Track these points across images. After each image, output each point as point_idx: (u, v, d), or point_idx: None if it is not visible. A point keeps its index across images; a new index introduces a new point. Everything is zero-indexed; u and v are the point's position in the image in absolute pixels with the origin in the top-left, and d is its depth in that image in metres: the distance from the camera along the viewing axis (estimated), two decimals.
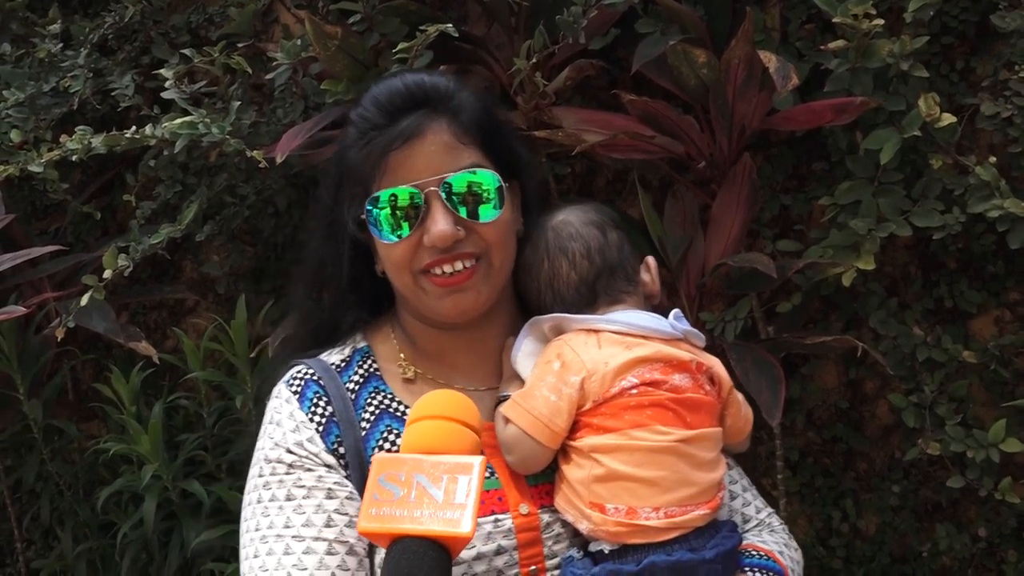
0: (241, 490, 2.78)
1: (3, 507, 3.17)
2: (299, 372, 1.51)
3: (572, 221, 1.53)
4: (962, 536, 2.38)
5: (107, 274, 2.43)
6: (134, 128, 2.40)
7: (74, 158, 2.42)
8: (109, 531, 3.01)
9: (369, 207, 1.44)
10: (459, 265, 1.43)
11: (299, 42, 2.28)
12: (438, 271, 1.44)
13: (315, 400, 1.47)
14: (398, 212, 1.42)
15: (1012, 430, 2.15)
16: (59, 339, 2.56)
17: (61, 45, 2.80)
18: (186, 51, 2.47)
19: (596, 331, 1.47)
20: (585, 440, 1.42)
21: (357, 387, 1.50)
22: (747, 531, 1.57)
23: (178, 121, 2.31)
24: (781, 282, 2.16)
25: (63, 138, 2.44)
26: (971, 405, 2.28)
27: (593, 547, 1.42)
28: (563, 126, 2.18)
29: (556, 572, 1.42)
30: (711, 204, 2.23)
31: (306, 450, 1.43)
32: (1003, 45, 2.12)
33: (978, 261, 2.30)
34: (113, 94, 2.71)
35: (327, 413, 1.46)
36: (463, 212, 1.42)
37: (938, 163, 2.09)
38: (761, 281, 2.11)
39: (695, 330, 1.51)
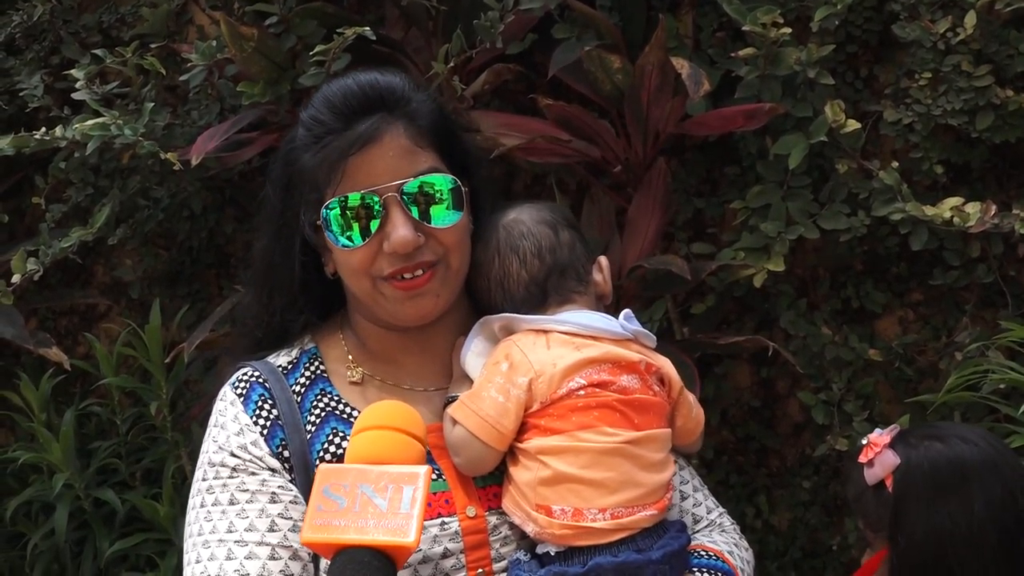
0: (155, 498, 2.75)
1: None
2: (244, 374, 1.49)
3: (524, 220, 1.52)
4: None
5: (15, 278, 2.38)
6: (44, 129, 2.35)
7: None
8: (19, 542, 2.92)
9: (326, 212, 1.41)
10: (418, 271, 1.42)
11: (214, 43, 2.26)
12: (398, 277, 1.42)
13: (260, 403, 1.45)
14: (356, 218, 1.40)
15: (916, 425, 2.21)
16: None
17: None
18: (98, 51, 2.43)
19: (545, 331, 1.46)
20: (532, 442, 1.41)
21: (303, 389, 1.49)
22: (697, 531, 1.58)
23: (90, 122, 2.27)
24: (695, 284, 2.20)
25: None
26: (877, 402, 2.34)
27: (540, 549, 1.42)
28: (481, 130, 2.19)
29: (504, 575, 1.42)
30: (627, 208, 2.26)
31: (250, 453, 1.42)
32: (904, 54, 2.19)
33: (883, 263, 2.36)
34: (21, 94, 2.65)
35: (272, 416, 1.45)
36: (422, 217, 1.41)
37: (844, 168, 2.15)
38: (676, 283, 2.14)
39: (646, 331, 1.51)
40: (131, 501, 2.73)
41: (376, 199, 1.39)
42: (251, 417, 1.44)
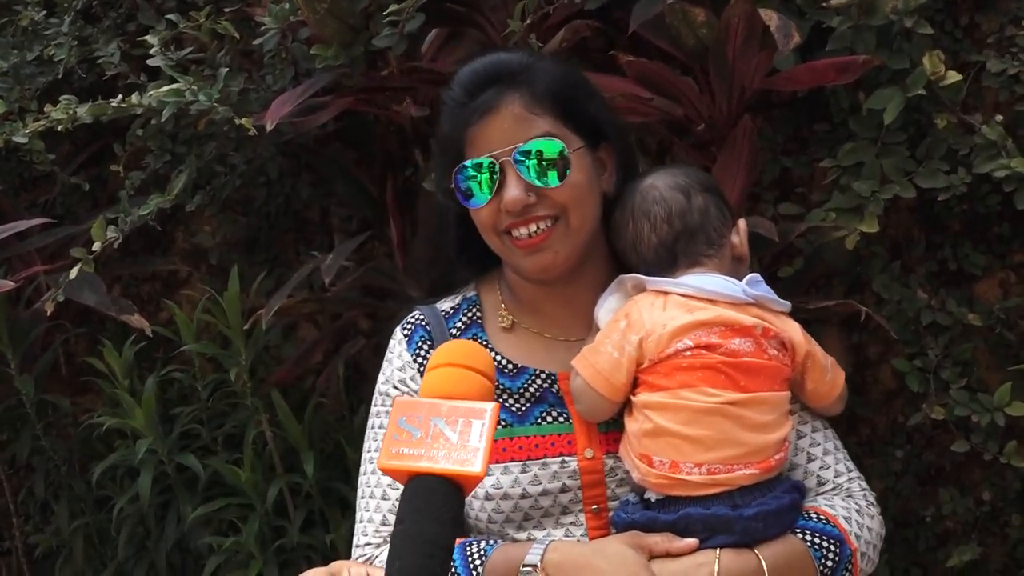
0: (237, 463, 2.79)
1: None
2: (413, 317, 1.73)
3: (658, 185, 1.62)
4: (966, 500, 2.36)
5: (96, 246, 2.40)
6: (120, 97, 2.35)
7: (60, 128, 2.38)
8: (105, 505, 2.98)
9: (455, 177, 1.61)
10: (534, 227, 1.59)
11: (287, 6, 2.23)
12: (516, 233, 1.60)
13: (420, 344, 1.69)
14: (478, 181, 1.59)
15: (1017, 394, 2.12)
16: (48, 313, 2.52)
17: (44, 12, 2.74)
18: (172, 16, 2.42)
19: (666, 293, 1.56)
20: (640, 396, 1.53)
21: (459, 333, 1.70)
22: (820, 494, 1.63)
23: (164, 89, 2.27)
24: (783, 246, 2.14)
25: (47, 108, 2.39)
26: (976, 369, 2.25)
27: (646, 495, 1.53)
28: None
29: None
30: (711, 167, 2.18)
31: (408, 387, 1.67)
32: (1009, 0, 2.07)
33: (983, 222, 2.26)
34: (99, 62, 2.65)
35: (430, 356, 1.58)
36: (534, 178, 1.57)
37: (943, 122, 2.05)
38: (763, 245, 2.08)
39: (774, 296, 1.58)
40: (213, 466, 2.76)
41: (494, 163, 1.57)
42: (412, 355, 1.68)
